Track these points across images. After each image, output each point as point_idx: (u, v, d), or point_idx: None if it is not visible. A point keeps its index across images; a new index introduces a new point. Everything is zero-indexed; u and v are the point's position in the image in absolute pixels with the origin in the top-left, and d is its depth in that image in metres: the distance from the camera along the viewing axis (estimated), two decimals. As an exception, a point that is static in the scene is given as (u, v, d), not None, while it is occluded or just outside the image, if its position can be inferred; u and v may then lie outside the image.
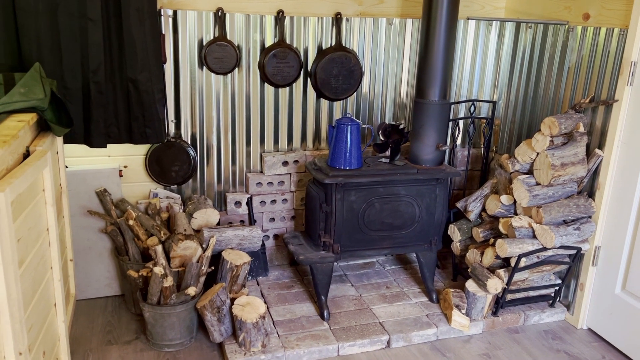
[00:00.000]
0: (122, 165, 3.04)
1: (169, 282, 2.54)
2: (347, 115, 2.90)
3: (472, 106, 3.49)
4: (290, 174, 3.29)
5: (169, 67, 2.96)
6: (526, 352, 2.75)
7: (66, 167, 2.87)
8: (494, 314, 2.94)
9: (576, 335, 2.92)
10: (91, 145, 2.83)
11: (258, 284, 3.21)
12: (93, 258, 3.02)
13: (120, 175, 3.00)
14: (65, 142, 2.72)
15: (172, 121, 3.06)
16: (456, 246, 3.23)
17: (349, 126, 2.81)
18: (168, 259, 2.70)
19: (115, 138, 2.88)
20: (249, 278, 3.23)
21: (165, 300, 2.57)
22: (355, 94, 3.32)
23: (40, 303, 1.88)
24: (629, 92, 2.62)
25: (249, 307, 2.58)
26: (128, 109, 2.85)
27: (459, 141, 3.59)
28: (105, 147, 2.87)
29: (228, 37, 3.00)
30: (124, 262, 2.86)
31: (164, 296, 2.56)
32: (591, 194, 2.86)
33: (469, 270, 2.98)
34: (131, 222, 2.82)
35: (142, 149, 3.04)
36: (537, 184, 2.84)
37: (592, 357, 2.73)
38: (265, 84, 3.16)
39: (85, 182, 2.92)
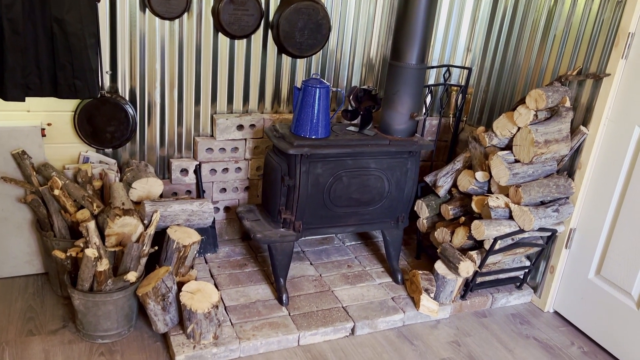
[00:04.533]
0: (45, 122, 2.55)
1: (103, 265, 2.15)
2: (315, 76, 2.54)
3: (447, 72, 3.22)
4: (245, 139, 2.92)
5: (103, 7, 2.46)
6: (495, 339, 2.61)
7: (-27, 123, 2.37)
8: (462, 297, 2.77)
9: (543, 319, 2.81)
10: (5, 98, 2.32)
11: (206, 262, 2.86)
12: (9, 231, 2.56)
13: (43, 135, 2.52)
14: (-29, 92, 2.22)
15: (106, 72, 2.58)
16: (422, 223, 3.01)
17: (318, 89, 2.46)
18: (102, 236, 2.29)
19: (36, 90, 2.39)
20: (197, 255, 2.87)
21: (100, 286, 2.19)
22: (321, 51, 2.96)
23: None
24: (623, 66, 2.42)
25: (200, 294, 2.24)
26: (52, 55, 2.36)
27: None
28: (24, 100, 2.37)
29: (177, -25, 2.53)
30: (48, 239, 2.42)
31: (98, 282, 2.18)
32: (571, 174, 2.69)
33: (438, 251, 2.78)
34: (57, 192, 2.38)
35: (69, 105, 2.56)
36: (517, 161, 2.63)
37: (561, 343, 2.63)
38: (220, 34, 2.73)
39: (-2, 141, 2.42)
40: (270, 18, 2.79)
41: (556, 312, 2.86)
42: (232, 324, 2.39)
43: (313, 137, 2.50)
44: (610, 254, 2.55)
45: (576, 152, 2.65)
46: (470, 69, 3.22)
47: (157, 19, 2.57)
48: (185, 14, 2.62)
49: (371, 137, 2.64)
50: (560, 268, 2.78)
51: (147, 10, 2.53)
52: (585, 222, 2.66)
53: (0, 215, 2.52)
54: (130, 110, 2.64)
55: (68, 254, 2.23)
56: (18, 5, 2.20)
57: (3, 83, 2.30)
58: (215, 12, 2.65)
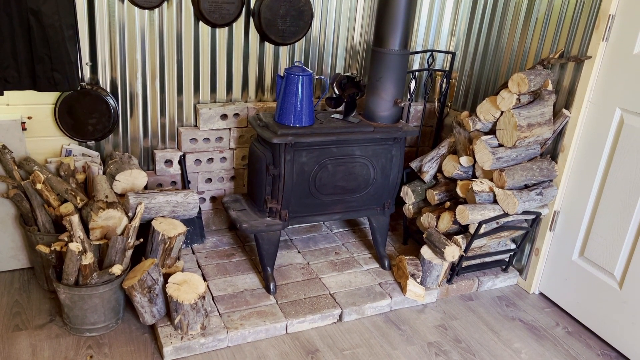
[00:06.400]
0: (25, 116, 2.52)
1: (88, 259, 2.14)
2: (297, 63, 2.53)
3: (430, 57, 3.21)
4: (229, 129, 2.90)
5: (80, -3, 2.43)
6: (482, 322, 2.64)
7: (-49, 118, 2.34)
8: (449, 281, 2.80)
9: (529, 301, 2.85)
10: (-17, 92, 2.29)
11: (194, 253, 2.86)
12: (-7, 226, 2.54)
13: (24, 129, 2.49)
14: (-52, 87, 2.18)
15: (86, 64, 2.55)
16: (409, 209, 3.02)
17: (300, 77, 2.45)
18: (87, 230, 2.28)
19: (15, 84, 2.35)
20: (184, 246, 2.87)
21: (85, 280, 2.18)
22: (304, 38, 2.93)
23: None
24: (604, 49, 2.43)
25: (186, 285, 2.25)
26: (30, 47, 2.32)
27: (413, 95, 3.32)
28: (2, 94, 2.33)
29: (155, -36, 2.49)
30: (32, 233, 2.41)
31: (83, 275, 2.17)
32: (554, 157, 2.71)
33: (424, 236, 2.79)
34: (39, 186, 2.35)
35: (50, 97, 2.53)
36: (500, 145, 2.64)
37: (546, 324, 2.67)
38: (200, 23, 2.70)
39: (-23, 136, 2.39)
40: (252, 6, 2.76)
41: (541, 294, 2.90)
42: (219, 314, 2.40)
43: (297, 125, 2.49)
44: (593, 236, 2.58)
45: (559, 135, 2.67)
46: (454, 54, 3.21)
47: (136, 8, 2.54)
48: (165, 3, 2.58)
49: (355, 125, 2.63)
50: (545, 250, 2.81)
51: (125, -1, 2.50)
52: (568, 204, 2.69)
53: (-17, 210, 2.50)
54: (111, 101, 2.61)
55: (52, 249, 2.22)
56: (-8, -3, 2.16)
57: (-20, 77, 2.27)
58: (195, 1, 2.61)
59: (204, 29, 2.72)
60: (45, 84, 2.38)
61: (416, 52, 3.20)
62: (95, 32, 2.51)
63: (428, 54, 3.25)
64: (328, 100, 2.72)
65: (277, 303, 2.52)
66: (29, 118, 2.53)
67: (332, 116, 2.71)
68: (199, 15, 2.64)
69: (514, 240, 2.93)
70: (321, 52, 3.04)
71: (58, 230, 2.43)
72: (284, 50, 2.94)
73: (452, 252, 2.63)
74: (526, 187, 2.66)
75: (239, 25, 2.78)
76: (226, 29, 2.76)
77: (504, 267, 2.96)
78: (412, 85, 3.26)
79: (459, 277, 2.84)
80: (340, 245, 3.09)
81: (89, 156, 2.67)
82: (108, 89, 2.63)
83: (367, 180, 2.71)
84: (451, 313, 2.68)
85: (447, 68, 3.28)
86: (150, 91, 2.72)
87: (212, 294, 2.53)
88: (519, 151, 2.64)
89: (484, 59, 3.12)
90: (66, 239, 2.24)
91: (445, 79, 3.23)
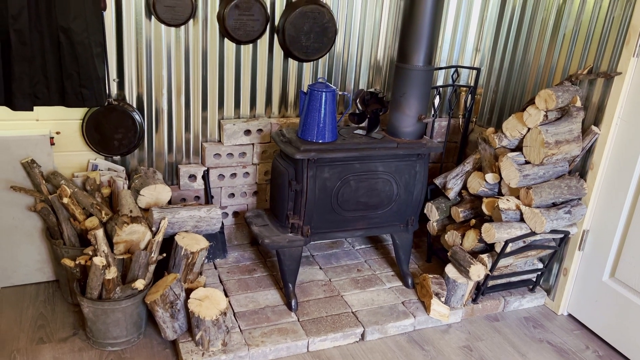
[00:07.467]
0: (53, 131, 2.57)
1: (112, 273, 2.16)
2: (321, 80, 2.53)
3: (455, 73, 3.18)
4: (253, 144, 2.91)
5: (109, 16, 2.48)
6: (508, 343, 2.57)
7: (-18, 133, 2.40)
8: (474, 301, 2.74)
9: (557, 322, 2.76)
10: (14, 108, 2.34)
11: (216, 268, 2.86)
12: (20, 239, 2.58)
13: (52, 144, 2.53)
14: (-20, 103, 2.24)
15: (113, 80, 2.59)
16: (433, 226, 2.98)
17: (324, 93, 2.45)
18: (111, 243, 2.30)
19: (44, 99, 2.40)
20: (206, 261, 2.88)
21: (108, 295, 2.19)
22: (327, 54, 2.94)
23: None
24: (635, 64, 2.37)
25: (208, 301, 2.24)
26: (59, 64, 2.37)
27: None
28: (32, 110, 2.38)
29: (182, -18, 2.54)
30: (57, 247, 2.44)
31: (107, 289, 2.18)
32: (583, 174, 2.64)
33: (448, 254, 2.74)
34: (65, 200, 2.39)
35: (77, 113, 2.57)
36: (527, 162, 2.59)
37: (575, 347, 2.58)
38: (225, 39, 2.73)
39: (8, 151, 2.44)
40: (276, 22, 2.78)
41: (570, 315, 2.81)
42: (240, 331, 2.38)
43: (320, 141, 2.49)
44: (625, 256, 2.49)
45: (588, 153, 2.60)
46: (479, 69, 3.18)
47: (163, 26, 2.58)
48: (191, 20, 2.62)
49: (379, 140, 2.61)
50: (573, 270, 2.73)
51: (152, 17, 2.54)
52: (598, 223, 2.61)
53: (11, 223, 2.54)
54: (137, 117, 2.65)
55: (77, 262, 2.24)
56: (24, 15, 2.21)
57: (11, 93, 2.32)
58: (220, 18, 2.65)
59: (229, 46, 2.75)
60: (73, 100, 2.42)
61: (441, 68, 3.18)
62: (122, 48, 2.55)
63: (452, 69, 3.22)
64: (351, 116, 2.71)
65: (298, 320, 2.50)
66: (58, 133, 2.58)
67: (355, 132, 2.69)
68: (224, 32, 2.67)
69: (541, 260, 2.85)
70: (344, 68, 3.04)
71: (83, 244, 2.46)
72: (307, 67, 2.95)
73: (478, 271, 2.57)
74: (554, 205, 2.60)
75: (263, 42, 2.80)
76: (251, 45, 2.78)
77: (531, 286, 2.88)
78: (437, 100, 3.24)
79: (484, 297, 2.78)
80: (362, 262, 3.05)
81: (115, 171, 2.70)
82: (134, 105, 2.66)
83: (390, 197, 2.69)
84: (476, 334, 2.62)
85: (472, 84, 3.25)
86: (175, 107, 2.75)
87: (233, 310, 2.52)
88: (546, 168, 2.58)
89: (509, 75, 3.08)
90: (91, 253, 2.26)
91: (470, 95, 3.20)
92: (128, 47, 2.56)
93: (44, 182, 2.46)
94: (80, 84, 2.40)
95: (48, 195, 2.43)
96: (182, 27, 2.62)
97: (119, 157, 2.73)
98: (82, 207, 2.45)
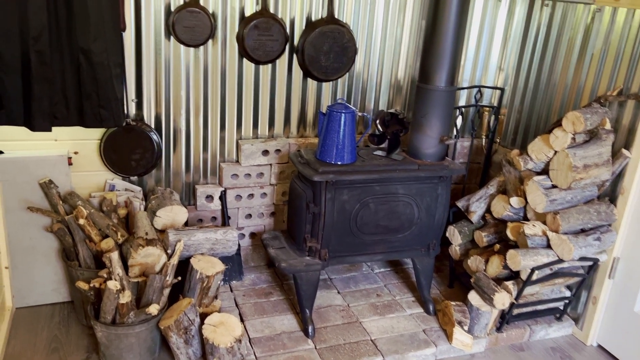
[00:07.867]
0: (71, 151, 2.56)
1: (126, 297, 2.12)
2: (340, 100, 2.48)
3: (478, 93, 3.11)
4: (270, 164, 2.87)
5: (128, 36, 2.47)
6: (534, 375, 2.46)
7: (1, 152, 2.40)
8: (498, 330, 2.63)
9: (585, 353, 2.64)
10: (33, 129, 2.34)
11: (232, 290, 2.81)
12: (37, 259, 2.56)
13: (70, 164, 2.53)
14: (0, 123, 2.24)
15: (132, 101, 2.58)
16: (455, 250, 2.89)
17: (343, 114, 2.40)
18: (126, 266, 2.27)
19: (63, 120, 2.40)
20: (222, 283, 2.83)
21: (122, 319, 2.15)
22: (347, 74, 2.90)
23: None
24: (668, 86, 2.28)
25: (223, 327, 2.18)
26: (79, 85, 2.36)
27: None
28: (50, 130, 2.38)
29: (201, 3, 2.52)
30: (73, 268, 2.41)
31: (120, 314, 2.14)
32: (613, 199, 2.54)
33: (471, 280, 2.65)
34: (82, 221, 2.37)
35: (96, 133, 2.56)
36: (554, 186, 2.50)
37: (606, 381, 2.46)
38: (244, 60, 2.70)
39: (26, 170, 2.44)
40: (295, 43, 2.76)
41: (600, 346, 2.68)
42: (256, 358, 2.32)
43: (338, 163, 2.43)
44: (659, 286, 2.38)
45: (618, 177, 2.50)
46: (502, 89, 3.10)
47: (182, 46, 2.57)
48: (210, 41, 2.61)
49: (399, 162, 2.55)
50: (603, 299, 2.61)
51: (172, 38, 2.53)
52: (630, 250, 2.50)
53: (28, 244, 2.53)
54: (155, 137, 2.63)
55: (91, 285, 2.21)
56: (45, 36, 2.22)
57: (31, 114, 2.32)
58: (239, 38, 2.63)
59: (248, 66, 2.73)
60: (91, 120, 2.42)
61: (463, 88, 3.12)
62: (141, 69, 2.55)
63: (477, 89, 3.15)
64: (371, 137, 2.66)
65: (315, 348, 2.42)
66: (76, 153, 2.58)
67: (375, 153, 2.63)
68: (243, 53, 2.65)
69: (569, 287, 2.74)
70: (364, 88, 3.00)
71: (98, 266, 2.43)
72: (327, 87, 2.91)
73: (502, 299, 2.47)
74: (582, 231, 2.50)
75: (282, 62, 2.77)
76: (270, 65, 2.76)
77: (558, 315, 2.76)
78: (459, 121, 3.16)
79: (509, 326, 2.67)
80: (382, 287, 2.97)
81: (132, 191, 2.68)
82: (152, 125, 2.65)
83: (410, 220, 2.61)
84: (501, 364, 2.52)
85: (496, 104, 3.17)
86: (193, 127, 2.73)
87: (249, 336, 2.46)
88: (574, 193, 2.48)
89: (534, 95, 3.00)
90: (105, 275, 2.23)
91: (493, 115, 3.12)
92: (147, 67, 2.55)
93: (61, 202, 2.45)
94: (99, 105, 2.39)
95: (65, 216, 2.42)
96: (201, 48, 2.61)
97: (136, 177, 2.71)
98: (98, 229, 2.43)
